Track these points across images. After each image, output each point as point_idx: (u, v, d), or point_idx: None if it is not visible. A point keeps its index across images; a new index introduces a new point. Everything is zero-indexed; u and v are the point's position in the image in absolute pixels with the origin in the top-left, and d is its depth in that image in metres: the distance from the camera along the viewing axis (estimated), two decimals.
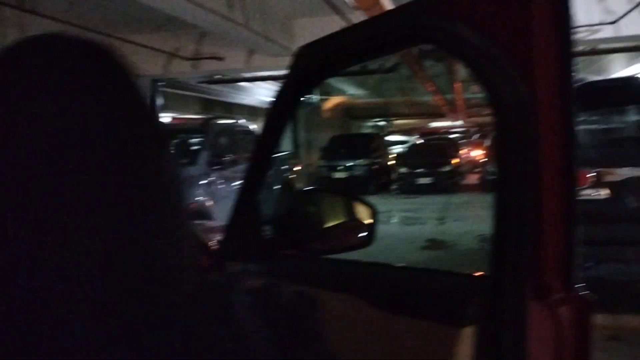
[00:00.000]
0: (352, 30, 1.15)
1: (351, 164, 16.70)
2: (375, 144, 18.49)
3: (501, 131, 0.93)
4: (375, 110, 25.67)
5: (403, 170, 16.67)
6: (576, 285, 0.96)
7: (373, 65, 12.41)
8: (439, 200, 13.43)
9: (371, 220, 1.51)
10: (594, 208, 3.98)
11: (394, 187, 17.58)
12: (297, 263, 1.46)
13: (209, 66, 10.40)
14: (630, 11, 8.18)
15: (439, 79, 15.57)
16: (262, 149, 1.39)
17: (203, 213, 5.89)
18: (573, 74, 0.91)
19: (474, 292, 0.99)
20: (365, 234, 1.49)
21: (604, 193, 3.94)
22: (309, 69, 1.25)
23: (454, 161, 17.29)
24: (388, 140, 24.35)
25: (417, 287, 1.12)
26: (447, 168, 16.39)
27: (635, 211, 3.90)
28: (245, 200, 1.42)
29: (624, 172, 3.93)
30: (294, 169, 9.72)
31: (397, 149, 24.48)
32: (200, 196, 6.18)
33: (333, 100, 20.51)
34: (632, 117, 5.00)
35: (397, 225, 11.41)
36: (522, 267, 0.92)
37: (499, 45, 0.91)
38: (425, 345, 1.02)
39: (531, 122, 0.88)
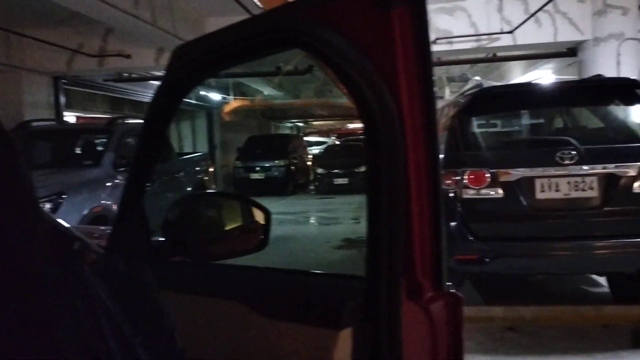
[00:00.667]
0: (227, 31, 1.13)
1: (268, 165, 16.65)
2: (292, 145, 18.56)
3: (369, 137, 0.95)
4: (292, 111, 25.76)
5: (320, 171, 16.83)
6: (446, 284, 1.01)
7: (288, 66, 12.44)
8: (355, 200, 13.68)
9: (265, 224, 1.49)
10: (490, 206, 4.20)
11: (311, 187, 17.73)
12: (183, 269, 1.42)
13: (115, 64, 9.99)
14: (525, 21, 8.73)
15: None
16: (143, 152, 1.34)
17: (107, 217, 5.64)
18: (433, 79, 0.95)
19: (352, 294, 1.00)
20: (259, 237, 1.47)
21: (499, 192, 4.16)
22: (187, 69, 1.22)
23: None
24: (306, 141, 24.52)
25: (298, 291, 1.13)
26: (364, 169, 16.72)
27: (528, 208, 4.15)
28: (129, 205, 1.36)
29: (518, 173, 4.17)
30: (208, 170, 9.52)
31: (315, 150, 24.72)
32: (105, 199, 5.91)
33: (250, 101, 20.35)
34: (526, 121, 5.34)
35: (313, 225, 11.51)
36: (395, 268, 0.94)
37: (364, 51, 0.93)
38: (304, 349, 1.02)
39: (397, 128, 0.91)
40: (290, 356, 1.02)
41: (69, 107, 12.16)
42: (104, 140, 6.86)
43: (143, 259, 1.33)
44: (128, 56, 9.81)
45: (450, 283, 1.01)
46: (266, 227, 1.48)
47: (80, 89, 12.58)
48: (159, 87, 1.27)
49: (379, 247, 0.94)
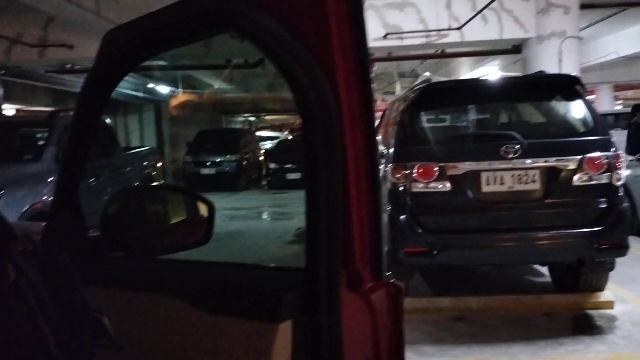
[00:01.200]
0: (160, 13, 1.09)
1: (220, 159, 16.42)
2: (244, 140, 18.38)
3: (306, 127, 0.94)
4: (244, 105, 25.51)
5: (273, 165, 16.74)
6: (385, 274, 1.01)
7: (238, 59, 12.30)
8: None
9: (208, 217, 1.45)
10: (438, 200, 4.28)
11: (264, 182, 17.62)
12: (121, 265, 1.37)
13: (58, 54, 9.62)
14: (472, 18, 8.93)
15: None
16: (75, 142, 1.28)
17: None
18: (371, 75, 0.95)
19: (292, 286, 0.99)
20: (202, 231, 1.43)
21: (447, 185, 4.23)
22: (119, 54, 1.17)
23: None
24: (258, 136, 24.34)
25: (238, 284, 1.10)
26: None
27: (474, 201, 4.25)
28: (63, 199, 1.30)
29: (465, 166, 4.26)
30: (156, 165, 9.30)
31: (267, 144, 24.58)
32: (47, 195, 5.67)
33: (199, 95, 20.01)
34: (473, 116, 5.46)
35: (266, 221, 11.45)
36: (334, 259, 0.93)
37: (299, 37, 0.91)
38: (244, 343, 1.00)
39: (334, 117, 0.90)
40: (230, 351, 1.00)
41: (8, 99, 11.64)
42: (46, 133, 6.58)
43: (78, 254, 1.27)
44: (71, 46, 9.46)
45: (390, 272, 1.01)
46: (210, 220, 1.44)
47: (21, 81, 12.04)
48: (90, 74, 1.21)
49: (318, 239, 0.93)
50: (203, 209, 1.46)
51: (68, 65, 11.60)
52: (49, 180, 5.88)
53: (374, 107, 0.96)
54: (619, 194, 4.24)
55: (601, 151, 4.20)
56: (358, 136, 0.94)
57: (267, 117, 36.27)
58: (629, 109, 15.76)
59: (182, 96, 18.75)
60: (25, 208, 5.30)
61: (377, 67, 16.22)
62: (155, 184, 7.89)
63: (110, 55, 1.17)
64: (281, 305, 0.95)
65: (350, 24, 0.93)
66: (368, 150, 0.95)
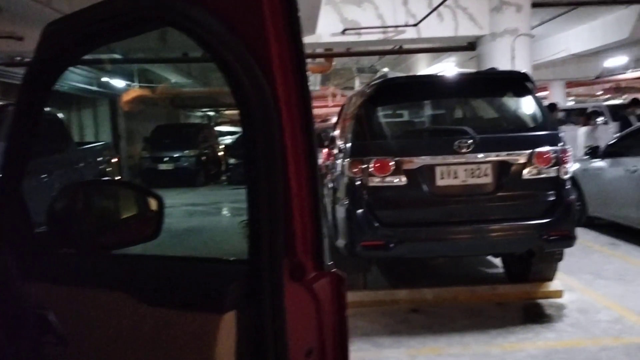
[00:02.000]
0: (98, 7, 1.08)
1: (178, 155, 16.17)
2: (203, 135, 18.15)
3: (244, 120, 0.95)
4: (203, 100, 25.16)
5: (233, 161, 16.58)
6: (327, 263, 1.03)
7: (195, 52, 12.12)
8: None
9: (158, 212, 1.44)
10: (395, 194, 4.34)
11: (223, 178, 17.46)
12: (67, 260, 1.35)
13: (6, 46, 9.26)
14: (427, 15, 9.06)
15: None
16: (17, 136, 1.25)
17: None
18: (306, 65, 0.96)
19: (235, 278, 1.00)
20: (151, 226, 1.42)
21: (402, 180, 4.30)
22: (59, 47, 1.15)
23: None
24: (217, 131, 24.06)
25: (182, 277, 1.11)
26: None
27: (429, 195, 4.33)
28: (6, 194, 1.27)
29: (420, 161, 4.34)
30: (111, 161, 9.10)
31: (227, 139, 24.32)
32: None
33: (153, 89, 19.62)
34: (428, 111, 5.55)
35: (226, 216, 11.35)
36: (276, 250, 0.95)
37: (238, 34, 0.92)
38: (189, 335, 1.00)
39: (272, 109, 0.91)
40: (177, 342, 1.01)
41: None
42: None
43: (24, 251, 1.25)
44: (20, 38, 9.11)
45: (332, 262, 1.04)
46: (159, 215, 1.43)
47: None
48: (30, 67, 1.19)
49: (260, 230, 0.94)
50: (153, 204, 1.45)
51: (17, 58, 11.18)
52: None
53: (310, 98, 0.98)
54: (567, 187, 4.40)
55: (550, 145, 4.34)
56: (297, 128, 0.95)
57: (227, 112, 35.90)
58: (582, 105, 16.33)
59: (133, 91, 18.31)
60: None
61: (335, 63, 16.28)
62: (103, 179, 7.71)
63: (50, 48, 1.15)
64: (225, 297, 0.96)
65: (285, 15, 0.94)
66: (307, 141, 0.96)
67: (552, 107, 10.27)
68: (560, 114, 12.45)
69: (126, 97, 17.93)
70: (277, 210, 0.93)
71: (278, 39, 0.92)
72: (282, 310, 0.94)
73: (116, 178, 8.98)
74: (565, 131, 4.61)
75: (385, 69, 15.61)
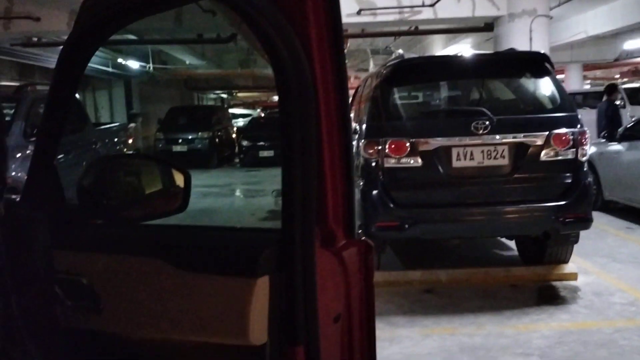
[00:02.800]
0: None
1: (192, 137, 16.24)
2: (217, 117, 18.19)
3: (283, 96, 0.97)
4: (216, 81, 25.18)
5: (246, 143, 16.62)
6: (357, 232, 1.06)
7: (210, 34, 12.11)
8: (280, 172, 13.69)
9: (185, 186, 1.48)
10: (410, 175, 4.35)
11: (236, 160, 17.53)
12: (100, 230, 1.39)
13: (23, 27, 9.32)
14: None
15: None
16: (53, 109, 1.28)
17: (18, 189, 5.33)
18: (343, 40, 0.98)
19: (269, 245, 1.03)
20: (179, 199, 1.46)
21: (418, 161, 4.30)
22: (98, 20, 1.17)
23: None
24: (231, 113, 24.12)
25: (217, 245, 1.14)
26: None
27: (445, 176, 4.33)
28: (41, 167, 1.31)
29: (436, 142, 4.33)
30: (128, 141, 9.18)
31: (240, 122, 24.36)
32: (15, 171, 5.57)
33: (171, 71, 19.67)
34: (444, 92, 5.52)
35: (239, 198, 11.43)
36: (309, 219, 0.97)
37: (280, 10, 0.93)
38: (223, 298, 1.04)
39: (308, 78, 0.93)
40: (211, 306, 1.04)
41: None
42: (13, 108, 6.43)
43: (57, 222, 1.29)
44: (37, 19, 9.17)
45: (360, 231, 1.07)
46: (186, 189, 1.46)
47: None
48: (68, 40, 1.21)
49: (293, 199, 0.96)
50: (179, 178, 1.48)
51: (34, 39, 11.25)
52: (18, 155, 5.77)
53: (346, 71, 0.99)
54: (584, 169, 4.38)
55: (568, 127, 4.31)
56: (331, 101, 0.97)
57: (240, 95, 35.91)
58: (598, 88, 16.10)
59: (157, 72, 18.39)
60: None
61: (350, 44, 16.17)
62: (130, 152, 7.80)
63: (88, 22, 1.17)
64: (259, 262, 0.99)
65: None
66: (340, 112, 0.98)
67: (613, 88, 9.84)
68: (577, 98, 12.26)
69: (164, 76, 17.97)
70: (310, 179, 0.96)
71: (317, 17, 0.93)
72: (313, 276, 0.96)
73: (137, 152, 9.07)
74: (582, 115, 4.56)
75: (400, 51, 15.48)
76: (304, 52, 0.93)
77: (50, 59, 13.47)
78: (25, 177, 4.68)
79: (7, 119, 6.47)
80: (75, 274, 1.18)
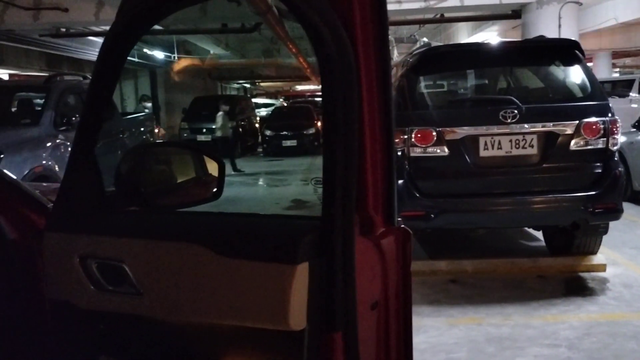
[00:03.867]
0: None
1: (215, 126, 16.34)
2: (240, 106, 18.26)
3: (327, 83, 0.97)
4: (240, 71, 25.25)
5: (269, 133, 16.67)
6: (396, 219, 1.06)
7: (235, 24, 12.14)
8: (303, 162, 13.73)
9: (219, 174, 1.50)
10: (436, 164, 4.32)
11: (259, 150, 17.61)
12: (140, 217, 1.42)
13: (52, 18, 9.46)
14: None
15: (301, 41, 15.69)
16: (94, 99, 1.30)
17: (49, 177, 5.46)
18: (387, 28, 0.97)
19: (308, 232, 1.04)
20: (213, 187, 1.48)
21: (445, 150, 4.27)
22: (140, 11, 1.18)
23: (318, 124, 17.70)
24: (254, 103, 24.19)
25: (256, 231, 1.15)
26: (312, 131, 16.74)
27: (471, 166, 4.29)
28: (80, 156, 1.34)
29: (463, 131, 4.29)
30: (154, 131, 9.28)
31: (263, 112, 24.41)
32: (46, 159, 5.69)
33: (195, 60, 19.78)
34: (471, 80, 5.46)
35: (262, 187, 11.50)
36: (348, 207, 0.98)
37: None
38: (263, 283, 1.05)
39: (352, 65, 0.93)
40: (251, 291, 1.06)
41: (2, 63, 11.50)
42: (43, 98, 6.55)
43: (97, 209, 1.32)
44: (65, 10, 9.30)
45: (400, 219, 1.07)
46: (220, 177, 1.49)
47: (14, 45, 11.87)
48: (111, 31, 1.23)
49: (334, 186, 0.97)
50: (213, 166, 1.51)
51: (62, 29, 11.42)
52: (48, 144, 5.89)
53: (389, 58, 0.99)
54: (615, 159, 4.30)
55: (598, 116, 4.23)
56: (374, 88, 0.97)
57: (263, 84, 35.95)
58: (628, 77, 15.72)
59: (181, 62, 18.51)
60: (26, 172, 5.33)
61: None
62: (166, 140, 7.89)
63: (131, 13, 1.18)
64: (299, 249, 1.00)
65: None
66: (383, 98, 0.98)
67: None
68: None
69: (176, 67, 18.13)
70: (351, 168, 0.96)
71: (362, 3, 0.93)
72: (352, 264, 0.97)
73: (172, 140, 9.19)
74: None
75: (425, 39, 15.31)
76: (348, 38, 0.93)
77: (78, 50, 13.67)
78: (56, 166, 4.78)
79: (37, 108, 6.61)
80: (116, 260, 1.21)
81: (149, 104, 16.73)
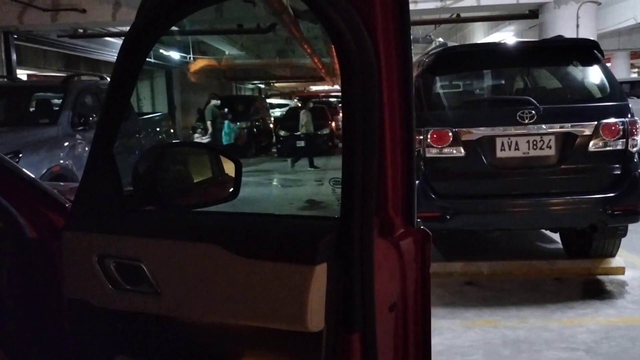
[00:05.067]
0: None
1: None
2: (255, 107, 18.32)
3: (347, 84, 0.96)
4: (254, 72, 25.32)
5: (283, 133, 16.69)
6: (416, 220, 1.05)
7: (250, 24, 12.18)
8: (318, 162, 13.72)
9: (236, 174, 1.50)
10: (452, 165, 4.28)
11: (274, 150, 17.63)
12: (157, 217, 1.42)
13: (70, 19, 9.57)
14: None
15: (316, 41, 15.70)
16: (114, 98, 1.31)
17: (66, 176, 5.51)
18: (409, 25, 0.96)
19: (327, 233, 1.03)
20: (230, 187, 1.48)
21: (461, 151, 4.24)
22: (159, 12, 1.18)
23: (332, 124, 17.69)
24: (268, 103, 24.25)
25: (274, 231, 1.15)
26: (326, 131, 16.73)
27: (488, 167, 4.25)
28: (99, 156, 1.34)
29: (479, 132, 4.25)
30: (170, 131, 9.35)
31: (277, 112, 24.46)
32: (63, 159, 5.75)
33: (210, 61, 19.88)
34: (488, 80, 5.41)
35: (277, 187, 11.52)
36: (368, 208, 0.97)
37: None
38: (281, 284, 1.05)
39: (375, 73, 0.92)
40: (269, 291, 1.05)
41: (21, 64, 11.65)
42: (61, 98, 6.62)
43: (115, 208, 1.32)
44: (83, 11, 9.40)
45: (420, 220, 1.05)
46: (237, 177, 1.49)
47: (33, 45, 12.03)
48: (131, 31, 1.23)
49: (353, 187, 0.96)
50: (229, 166, 1.51)
51: (80, 30, 11.55)
52: (65, 144, 5.95)
53: (411, 56, 0.98)
54: (634, 161, 4.23)
55: (617, 117, 4.17)
56: (394, 87, 0.96)
57: (277, 85, 36.01)
58: None
59: (199, 62, 18.61)
60: (44, 171, 5.38)
61: None
62: (183, 141, 7.96)
63: (151, 14, 1.19)
64: (317, 249, 1.00)
65: None
66: (404, 99, 0.97)
67: None
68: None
69: (193, 67, 18.25)
70: (371, 169, 0.95)
71: (384, 6, 0.92)
72: (371, 265, 0.96)
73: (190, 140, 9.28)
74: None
75: (440, 39, 15.23)
76: (368, 36, 0.92)
77: (95, 50, 13.80)
78: (73, 165, 4.81)
79: (55, 108, 6.68)
80: (134, 259, 1.21)
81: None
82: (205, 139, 13.35)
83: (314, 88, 38.33)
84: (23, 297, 1.34)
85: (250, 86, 33.41)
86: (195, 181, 1.56)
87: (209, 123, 13.53)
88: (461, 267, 4.87)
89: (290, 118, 17.82)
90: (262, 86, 34.91)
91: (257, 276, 1.06)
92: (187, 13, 1.22)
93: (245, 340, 1.14)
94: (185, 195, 1.50)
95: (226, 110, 14.75)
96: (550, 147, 4.20)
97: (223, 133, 13.60)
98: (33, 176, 1.51)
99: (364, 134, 0.94)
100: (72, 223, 1.32)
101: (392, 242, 1.05)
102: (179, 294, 1.17)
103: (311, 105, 13.84)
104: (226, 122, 13.60)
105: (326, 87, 34.78)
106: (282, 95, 38.74)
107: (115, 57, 1.29)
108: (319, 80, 27.78)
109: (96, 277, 1.25)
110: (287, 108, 24.61)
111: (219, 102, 14.09)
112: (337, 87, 31.93)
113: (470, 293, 4.47)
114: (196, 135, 14.25)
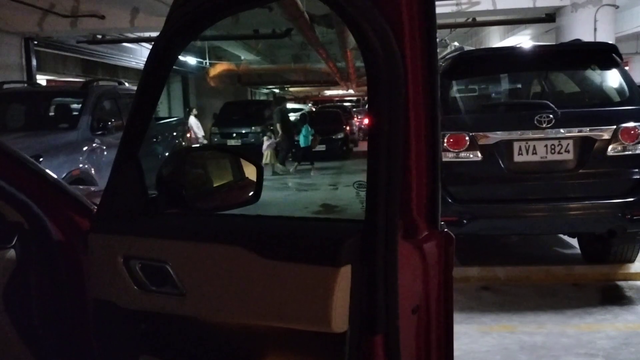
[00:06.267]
0: None
1: (245, 131, 16.50)
2: (269, 111, 18.39)
3: (373, 88, 0.97)
4: (269, 77, 25.43)
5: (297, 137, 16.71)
6: (440, 223, 1.06)
7: (266, 30, 12.25)
8: (332, 166, 13.74)
9: (257, 177, 1.52)
10: (469, 169, 4.27)
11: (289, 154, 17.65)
12: (181, 219, 1.44)
13: (89, 25, 9.72)
14: None
15: (331, 46, 15.73)
16: (142, 102, 1.33)
17: (86, 180, 5.59)
18: (435, 26, 0.97)
19: (351, 235, 1.04)
20: (251, 190, 1.50)
21: (478, 155, 4.22)
22: (188, 17, 1.21)
23: (346, 129, 17.69)
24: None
25: (298, 233, 1.16)
26: (340, 135, 16.74)
27: (505, 171, 4.23)
28: (125, 160, 1.37)
29: (497, 136, 4.24)
30: (186, 136, 9.42)
31: (292, 116, 24.48)
32: (83, 163, 5.83)
33: (226, 66, 20.02)
34: (505, 84, 5.39)
35: (292, 191, 11.54)
36: (392, 211, 0.98)
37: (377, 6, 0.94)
38: (306, 286, 1.06)
39: (401, 78, 0.93)
40: (293, 293, 1.06)
41: (41, 69, 11.83)
42: (80, 103, 6.72)
43: (140, 211, 1.35)
44: (102, 17, 9.54)
45: (443, 222, 1.06)
46: (258, 180, 1.51)
47: (52, 51, 12.22)
48: (160, 37, 1.26)
49: (378, 190, 0.97)
50: (251, 170, 1.53)
51: (99, 36, 11.71)
52: (85, 148, 6.03)
53: (437, 68, 0.99)
54: None
55: (637, 121, 4.13)
56: (419, 89, 0.97)
57: (291, 89, 36.11)
58: None
59: (218, 66, 18.76)
60: (64, 175, 5.46)
61: None
62: (206, 144, 8.06)
63: (180, 20, 1.21)
64: (341, 251, 1.01)
65: None
66: (429, 103, 0.98)
67: None
68: None
69: (212, 72, 18.42)
70: (396, 172, 0.96)
71: (410, 12, 0.94)
72: (395, 267, 0.97)
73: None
74: None
75: (456, 43, 15.18)
76: (396, 45, 0.93)
77: (113, 56, 13.97)
78: (92, 169, 4.88)
79: (75, 113, 6.78)
80: (160, 261, 1.23)
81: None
82: (274, 142, 13.86)
83: (328, 92, 38.36)
84: (49, 298, 1.37)
85: (265, 91, 33.52)
86: (218, 184, 1.58)
87: (278, 126, 13.92)
88: (478, 272, 4.84)
89: (304, 123, 17.86)
90: (277, 91, 35.02)
91: (282, 278, 1.08)
92: (217, 19, 1.24)
93: (269, 341, 1.16)
94: (208, 198, 1.52)
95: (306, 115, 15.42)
96: (568, 152, 4.17)
97: (301, 136, 14.08)
98: (59, 179, 1.54)
99: (389, 137, 0.96)
100: (99, 225, 1.35)
101: (415, 245, 1.06)
102: (204, 294, 1.18)
103: (286, 105, 14.05)
104: (306, 125, 14.07)
105: (340, 92, 34.78)
106: (296, 99, 38.82)
107: (135, 63, 1.32)
108: (334, 84, 27.78)
109: (122, 278, 1.28)
110: (301, 113, 24.67)
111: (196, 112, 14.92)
112: (351, 91, 31.92)
113: (487, 298, 4.45)
114: (265, 137, 14.59)
